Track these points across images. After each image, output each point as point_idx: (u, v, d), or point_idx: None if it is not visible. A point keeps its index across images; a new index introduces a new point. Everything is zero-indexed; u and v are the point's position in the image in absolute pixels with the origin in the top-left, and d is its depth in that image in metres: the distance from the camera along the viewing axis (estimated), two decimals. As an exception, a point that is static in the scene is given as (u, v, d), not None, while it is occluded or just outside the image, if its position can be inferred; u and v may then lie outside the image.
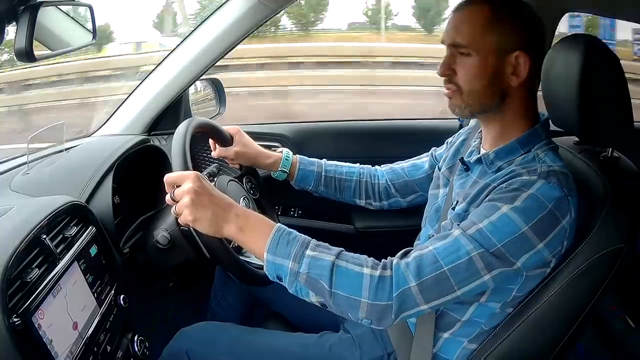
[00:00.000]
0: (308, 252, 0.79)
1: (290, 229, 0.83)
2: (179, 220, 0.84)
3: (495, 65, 0.86)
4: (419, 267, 0.78)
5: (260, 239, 0.81)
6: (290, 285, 0.80)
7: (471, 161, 0.95)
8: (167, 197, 0.84)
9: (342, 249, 0.82)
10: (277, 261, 0.80)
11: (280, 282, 0.82)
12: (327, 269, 0.78)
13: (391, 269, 0.79)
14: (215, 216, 0.81)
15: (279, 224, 0.83)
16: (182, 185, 0.82)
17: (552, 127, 0.93)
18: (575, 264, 0.85)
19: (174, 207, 0.83)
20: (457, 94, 0.89)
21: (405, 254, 0.82)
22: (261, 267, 1.04)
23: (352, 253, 0.82)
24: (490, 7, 0.85)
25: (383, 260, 0.81)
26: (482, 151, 0.95)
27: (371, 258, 0.82)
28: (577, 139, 1.03)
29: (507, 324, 0.89)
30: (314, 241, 0.82)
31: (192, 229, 0.96)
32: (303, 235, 0.82)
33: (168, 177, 0.84)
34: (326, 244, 0.82)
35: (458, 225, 0.82)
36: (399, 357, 0.99)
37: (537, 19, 0.88)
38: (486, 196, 0.84)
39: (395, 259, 0.81)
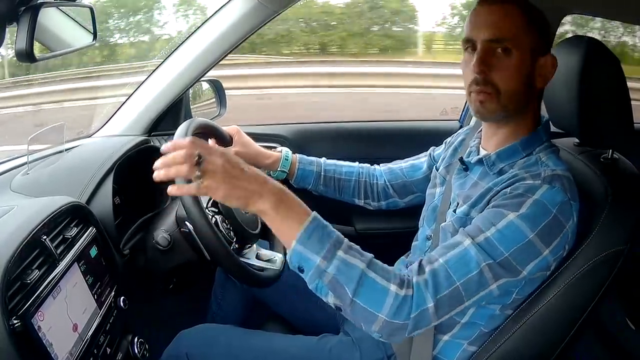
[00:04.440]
0: (340, 253, 0.75)
1: (326, 222, 0.78)
2: (202, 191, 0.73)
3: (530, 66, 0.85)
4: (435, 285, 0.76)
5: (292, 223, 0.75)
6: (311, 281, 0.77)
7: (471, 161, 0.95)
8: (183, 167, 0.71)
9: (373, 255, 0.79)
10: (305, 254, 0.75)
11: (300, 273, 0.77)
12: (355, 277, 0.75)
13: (412, 288, 0.76)
14: (249, 190, 0.73)
15: (315, 213, 0.78)
16: (207, 155, 0.72)
17: (552, 129, 0.94)
18: (576, 266, 0.85)
19: (196, 173, 0.71)
20: (492, 97, 0.85)
21: (421, 268, 0.78)
22: (261, 269, 1.05)
23: (382, 263, 0.79)
24: (524, 8, 0.85)
25: (406, 277, 0.78)
26: (483, 152, 0.95)
27: (399, 272, 0.78)
28: (577, 140, 1.03)
29: (508, 326, 0.89)
30: (347, 241, 0.78)
31: (191, 229, 0.97)
32: (338, 232, 0.78)
33: (189, 141, 0.73)
34: (358, 247, 0.79)
35: (464, 229, 0.81)
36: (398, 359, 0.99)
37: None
38: (489, 200, 0.83)
39: (414, 277, 0.77)
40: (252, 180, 0.74)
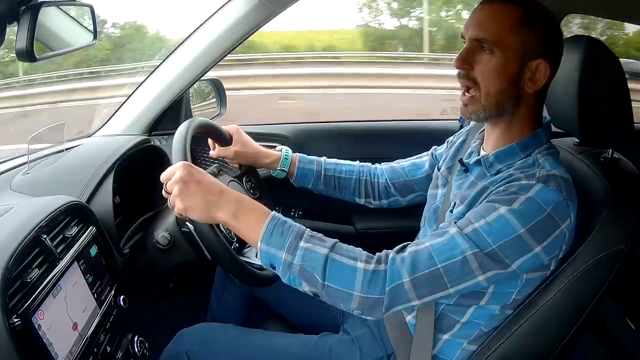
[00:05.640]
0: (302, 243, 0.79)
1: (285, 218, 0.83)
2: (175, 212, 0.85)
3: (515, 68, 0.84)
4: (413, 263, 0.78)
5: (254, 226, 0.82)
6: (284, 275, 0.81)
7: (470, 162, 0.95)
8: (163, 192, 0.87)
9: (337, 240, 0.82)
10: (270, 251, 0.80)
11: (273, 270, 0.82)
12: (320, 262, 0.78)
13: (386, 263, 0.79)
14: (206, 202, 0.82)
15: (273, 212, 0.83)
16: (172, 177, 0.84)
17: (553, 128, 0.93)
18: (576, 266, 0.85)
19: (168, 200, 0.85)
20: (474, 100, 0.87)
21: (402, 249, 0.81)
22: (262, 268, 1.05)
23: (347, 245, 0.82)
24: (521, 8, 0.83)
25: (378, 253, 0.82)
26: (482, 153, 0.95)
27: (365, 252, 0.82)
28: (577, 140, 1.03)
29: (508, 325, 0.89)
30: (308, 231, 0.82)
31: (191, 229, 0.97)
32: (298, 225, 0.82)
33: (163, 175, 0.87)
34: (321, 235, 0.82)
35: (455, 223, 0.82)
36: (398, 358, 0.99)
37: (560, 30, 0.87)
38: (484, 199, 0.83)
39: (391, 253, 0.81)
40: (208, 193, 0.82)
